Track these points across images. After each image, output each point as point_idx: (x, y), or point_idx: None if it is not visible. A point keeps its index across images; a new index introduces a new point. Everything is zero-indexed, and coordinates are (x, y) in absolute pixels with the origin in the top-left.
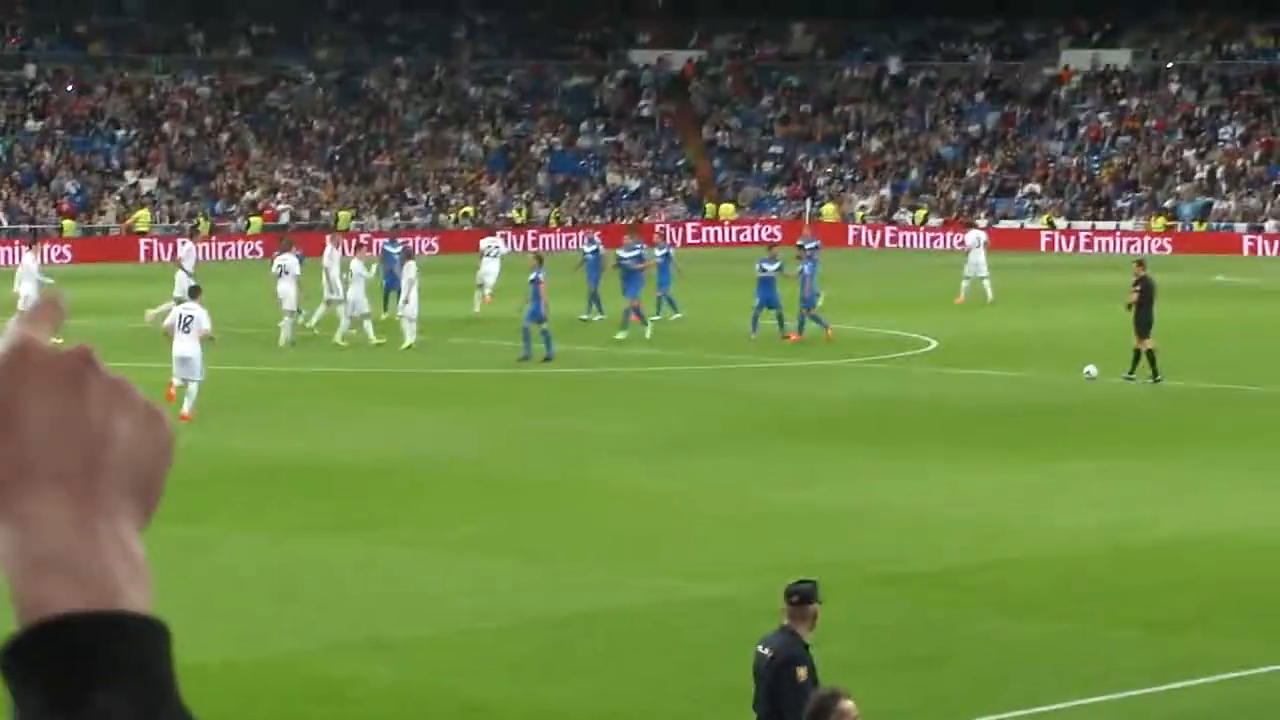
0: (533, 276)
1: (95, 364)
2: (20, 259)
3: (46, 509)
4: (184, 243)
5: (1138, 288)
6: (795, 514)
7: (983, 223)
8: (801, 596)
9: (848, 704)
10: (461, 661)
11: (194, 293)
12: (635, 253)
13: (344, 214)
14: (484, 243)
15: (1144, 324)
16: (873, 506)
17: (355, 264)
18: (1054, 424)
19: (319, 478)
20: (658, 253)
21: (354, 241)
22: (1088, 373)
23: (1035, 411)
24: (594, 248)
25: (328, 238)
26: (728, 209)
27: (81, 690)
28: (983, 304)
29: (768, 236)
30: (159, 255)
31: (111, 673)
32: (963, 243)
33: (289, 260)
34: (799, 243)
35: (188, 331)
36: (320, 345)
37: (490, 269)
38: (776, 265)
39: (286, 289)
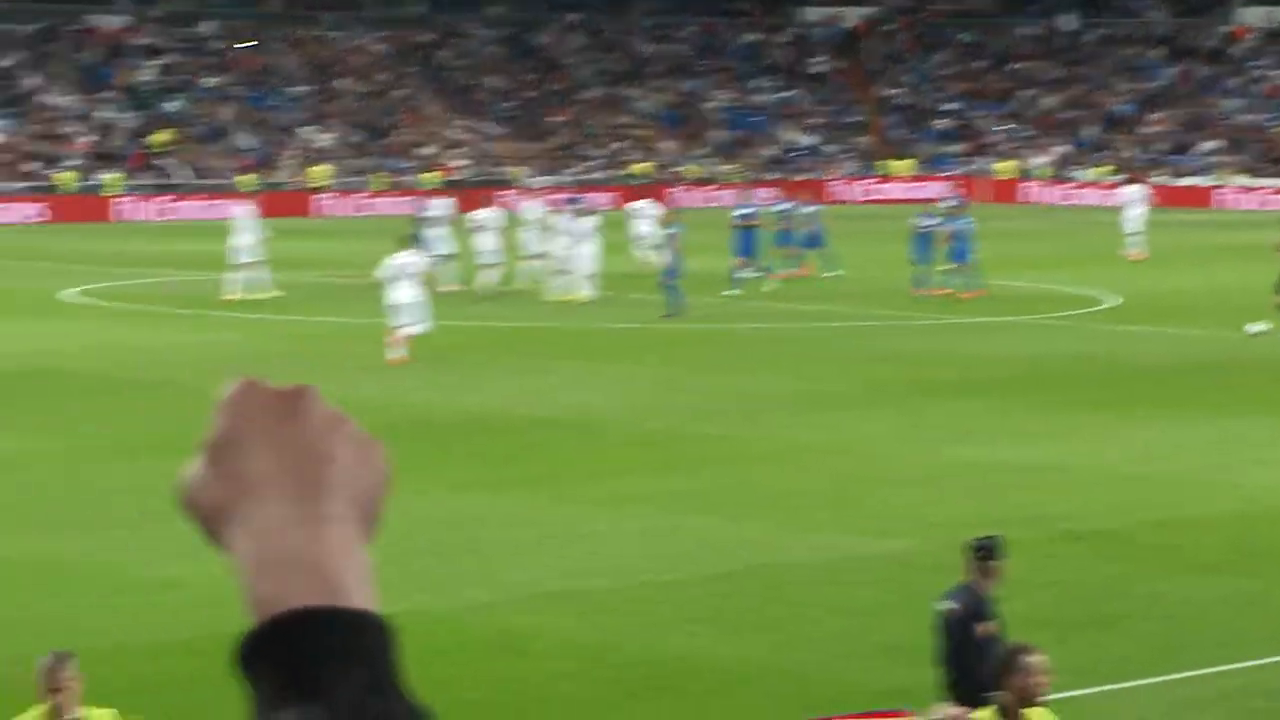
0: (669, 232)
1: (313, 397)
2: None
3: (276, 519)
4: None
5: None
6: (970, 471)
7: (1156, 179)
8: (982, 551)
9: (1037, 658)
10: (637, 615)
11: (413, 239)
12: (750, 209)
13: (517, 170)
14: (633, 205)
15: None
16: (1050, 464)
17: (565, 219)
18: (1232, 380)
19: (493, 432)
20: (806, 209)
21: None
22: (1259, 329)
23: (1213, 368)
24: (751, 209)
25: (517, 194)
26: (900, 166)
27: (319, 675)
28: (1142, 259)
29: (940, 193)
30: (333, 211)
31: (345, 660)
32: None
33: (487, 215)
34: (946, 200)
35: (406, 280)
36: (498, 301)
37: (640, 230)
38: (935, 221)
39: (485, 243)
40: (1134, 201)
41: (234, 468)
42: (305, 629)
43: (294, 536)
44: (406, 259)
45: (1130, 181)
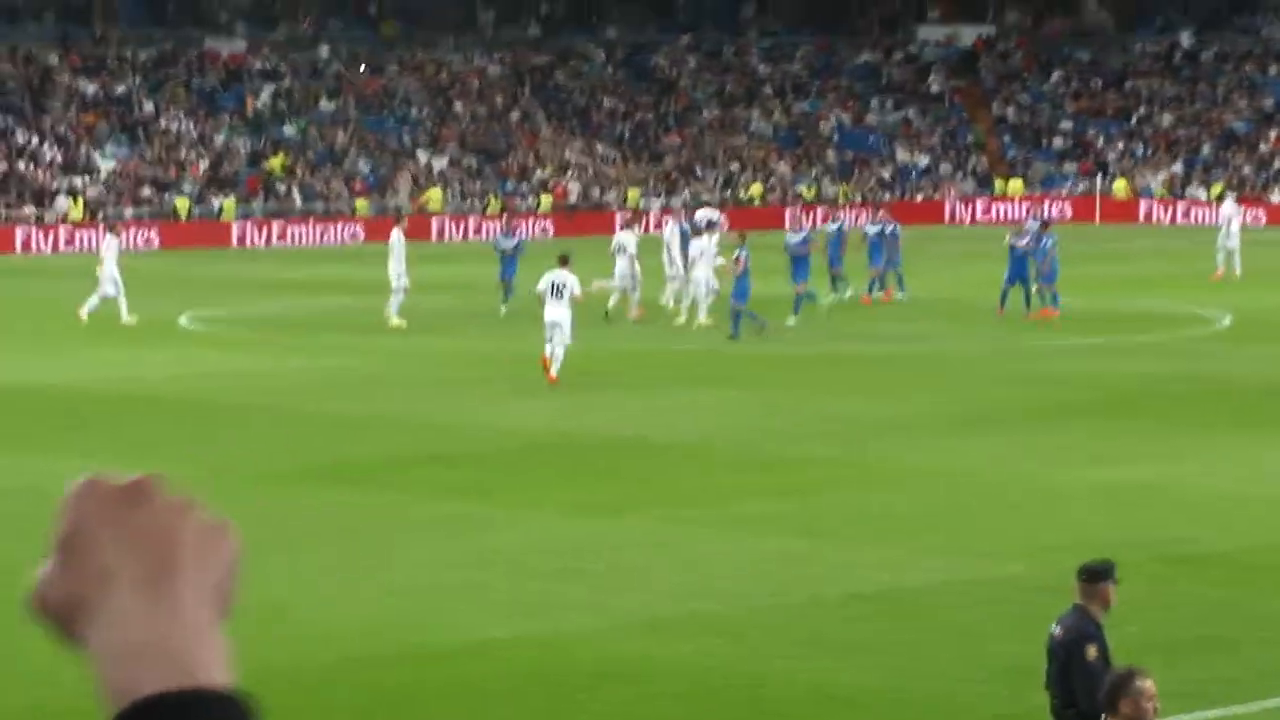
0: (735, 255)
1: (157, 486)
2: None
3: (128, 608)
4: (107, 236)
5: None
6: (1083, 493)
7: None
8: (1090, 574)
9: (1147, 683)
10: (748, 639)
11: (563, 261)
12: (801, 235)
13: (633, 192)
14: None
15: None
16: (1164, 485)
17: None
18: None
19: (603, 455)
20: (872, 230)
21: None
22: None
23: None
24: (838, 225)
25: (668, 215)
26: (1016, 185)
27: None
28: (1237, 279)
29: (1058, 213)
30: (450, 234)
31: None
32: (1217, 215)
33: (626, 238)
34: (1036, 218)
35: (560, 298)
36: (618, 324)
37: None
38: (1025, 240)
39: (623, 267)
40: (1234, 217)
41: (83, 562)
42: (164, 712)
43: (147, 624)
44: (562, 274)
45: (1223, 199)
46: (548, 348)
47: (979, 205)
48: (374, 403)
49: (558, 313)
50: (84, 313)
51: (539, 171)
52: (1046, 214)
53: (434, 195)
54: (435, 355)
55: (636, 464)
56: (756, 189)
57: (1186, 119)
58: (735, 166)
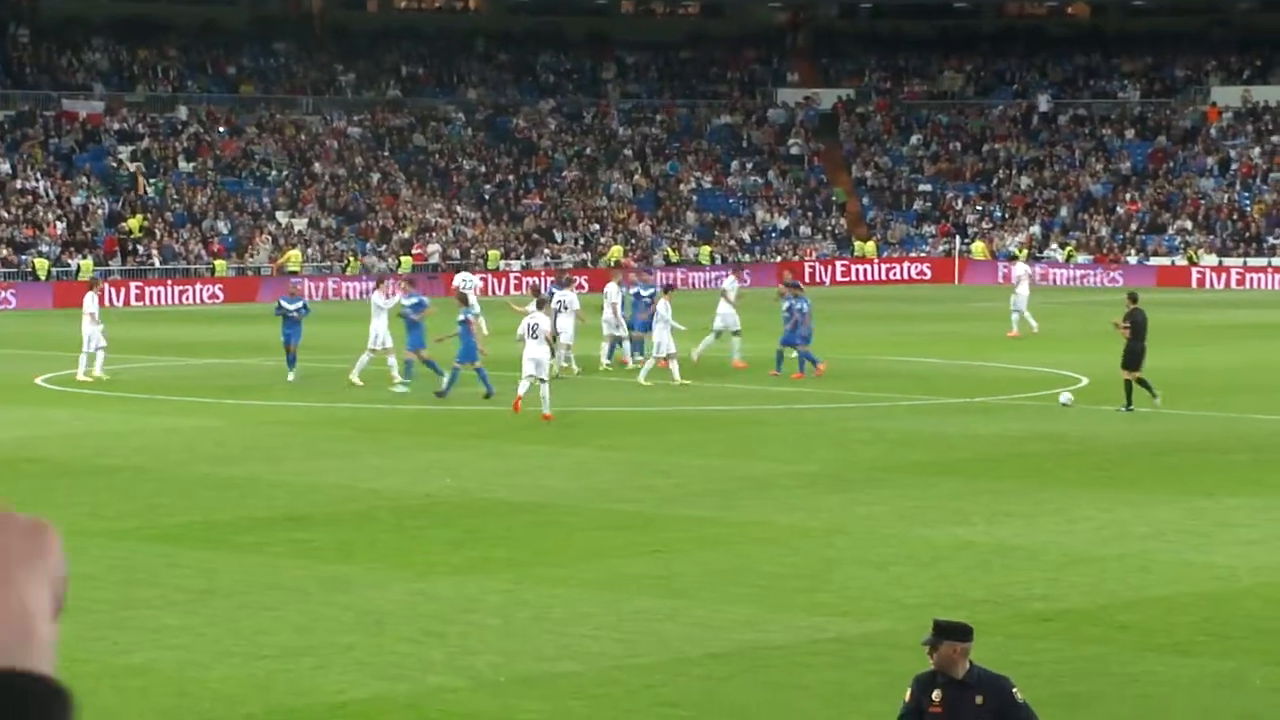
0: (461, 317)
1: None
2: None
3: None
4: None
5: (1128, 322)
6: (947, 551)
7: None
8: (948, 633)
9: None
10: (608, 700)
11: (539, 304)
12: (414, 300)
13: (494, 253)
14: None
15: (1134, 357)
16: (1024, 544)
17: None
18: (1207, 461)
19: (463, 515)
20: (645, 291)
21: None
22: (1063, 400)
23: (1187, 449)
24: (650, 290)
25: (614, 274)
26: (871, 247)
27: None
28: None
29: (917, 274)
30: (311, 294)
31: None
32: (1007, 274)
33: (568, 296)
34: (789, 281)
35: (535, 337)
36: (462, 381)
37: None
38: (785, 302)
39: (565, 324)
40: (1024, 279)
41: None
42: None
43: None
44: (536, 316)
45: (1013, 259)
46: (524, 384)
47: (838, 266)
48: (234, 464)
49: (538, 351)
50: None
51: (399, 233)
52: (795, 279)
53: (293, 256)
54: (296, 416)
55: (496, 524)
56: (616, 250)
57: (1044, 181)
58: (595, 228)
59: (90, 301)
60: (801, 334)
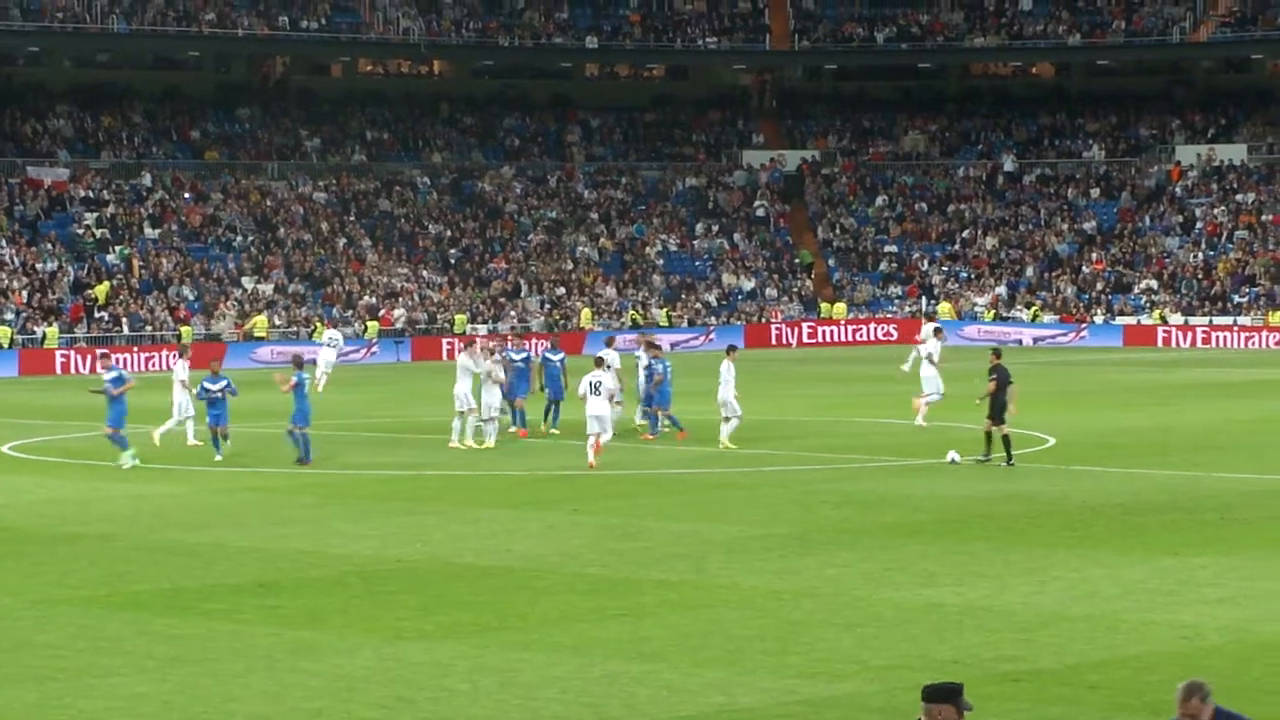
0: (294, 380)
1: None
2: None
3: None
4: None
5: (994, 376)
6: (915, 613)
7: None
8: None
9: None
10: None
11: (599, 362)
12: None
13: (460, 317)
14: (326, 334)
15: (998, 410)
16: (993, 604)
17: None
18: (1175, 520)
19: (432, 580)
20: (516, 356)
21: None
22: (951, 459)
23: (1156, 508)
24: (523, 355)
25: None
26: (840, 308)
27: None
28: (1083, 399)
29: (884, 335)
30: (276, 359)
31: None
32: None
33: (610, 355)
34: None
35: (598, 394)
36: (428, 446)
37: (328, 357)
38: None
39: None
40: (931, 338)
41: None
42: None
43: None
44: (598, 374)
45: (929, 319)
46: (590, 440)
47: (805, 328)
48: (202, 530)
49: (600, 408)
50: None
51: (365, 297)
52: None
53: (260, 322)
54: (263, 482)
55: (465, 588)
56: (585, 314)
57: (1010, 241)
58: (561, 291)
59: (181, 369)
60: (661, 395)
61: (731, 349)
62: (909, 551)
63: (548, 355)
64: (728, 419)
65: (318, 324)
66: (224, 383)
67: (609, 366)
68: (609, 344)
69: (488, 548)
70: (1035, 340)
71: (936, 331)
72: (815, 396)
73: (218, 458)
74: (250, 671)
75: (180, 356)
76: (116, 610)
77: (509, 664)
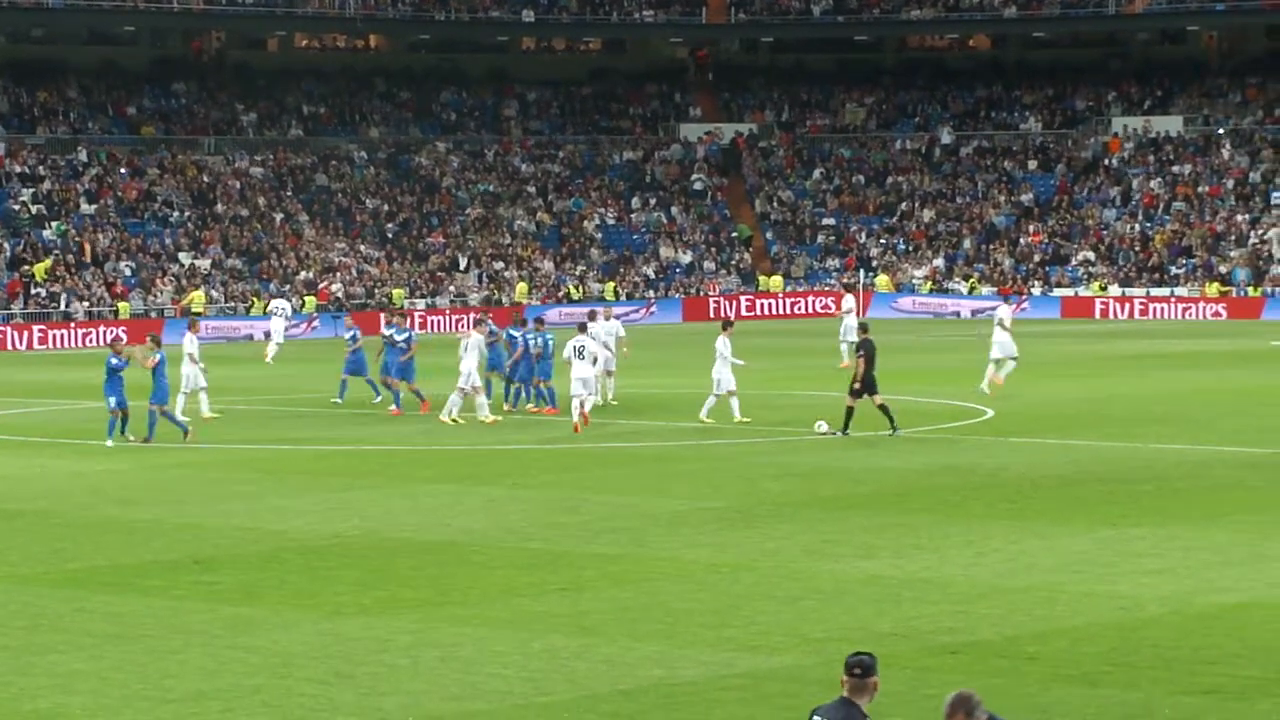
0: (156, 358)
1: None
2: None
3: None
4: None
5: (861, 352)
6: (854, 585)
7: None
8: (864, 669)
9: None
10: None
11: (582, 328)
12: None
13: (398, 292)
14: (273, 304)
15: (870, 383)
16: (932, 576)
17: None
18: (1113, 491)
19: (370, 555)
20: (347, 334)
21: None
22: (819, 428)
23: (1094, 479)
24: (352, 332)
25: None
26: (777, 281)
27: None
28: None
29: (822, 308)
30: (211, 334)
31: None
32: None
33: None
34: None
35: (582, 358)
36: (367, 420)
37: (277, 327)
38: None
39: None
40: (850, 310)
41: None
42: None
43: None
44: (582, 339)
45: (848, 290)
46: (575, 404)
47: (743, 301)
48: (139, 507)
49: (584, 371)
50: None
51: (303, 272)
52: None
53: (197, 297)
54: (200, 459)
55: (404, 563)
56: (521, 287)
57: (948, 214)
58: (499, 265)
59: (190, 342)
60: (523, 370)
61: (728, 324)
62: (848, 524)
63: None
64: (718, 395)
65: (254, 299)
66: (127, 363)
67: (593, 335)
68: (592, 317)
69: (427, 523)
70: (974, 313)
71: (1008, 299)
72: (754, 370)
73: (108, 444)
74: (188, 648)
75: (188, 329)
76: (55, 587)
77: (449, 639)
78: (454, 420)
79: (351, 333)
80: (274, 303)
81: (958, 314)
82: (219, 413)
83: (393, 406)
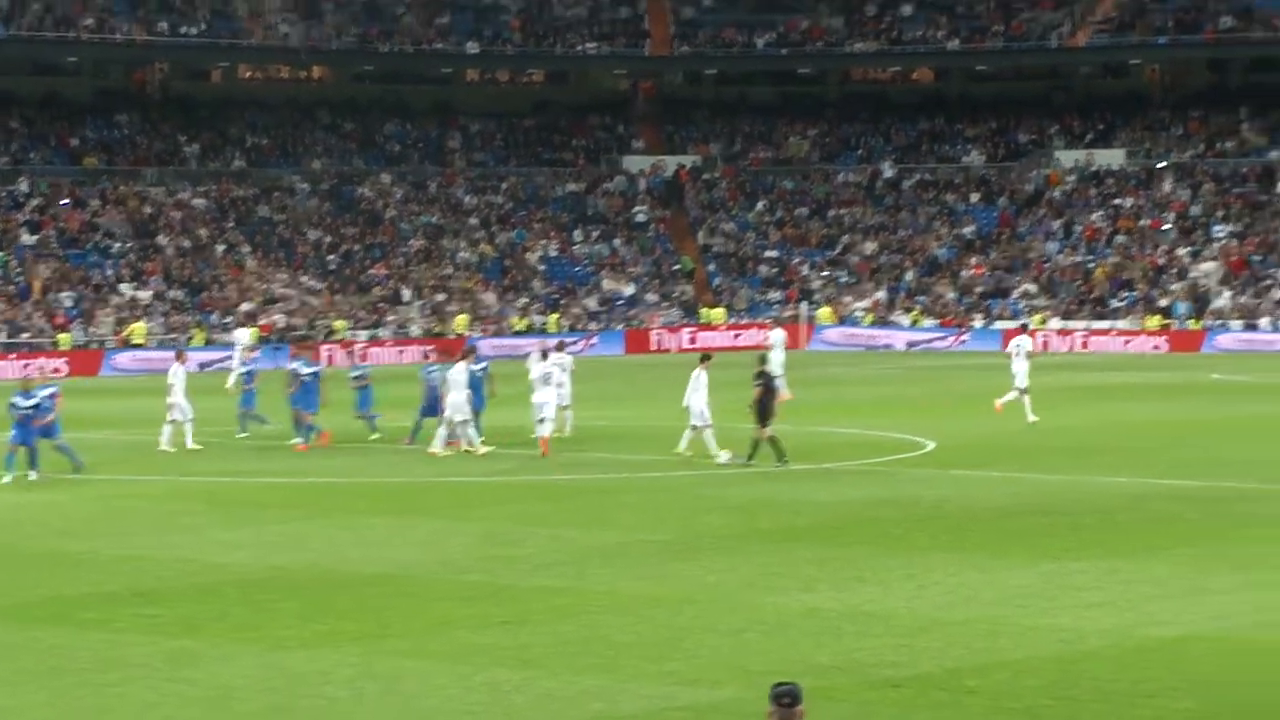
0: (49, 391)
1: None
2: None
3: None
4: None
5: (759, 383)
6: (796, 618)
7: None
8: (792, 698)
9: None
10: None
11: (544, 355)
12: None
13: (340, 323)
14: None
15: (764, 415)
16: (874, 609)
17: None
18: (1054, 524)
19: (313, 588)
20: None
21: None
22: (721, 458)
23: (1035, 511)
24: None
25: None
26: (720, 313)
27: None
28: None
29: (764, 341)
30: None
31: None
32: (767, 341)
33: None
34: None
35: (547, 385)
36: (309, 453)
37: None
38: (434, 373)
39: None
40: (778, 346)
41: None
42: None
43: None
44: (544, 366)
45: (776, 325)
46: (541, 428)
47: (685, 334)
48: (80, 539)
49: (547, 395)
50: None
51: (245, 304)
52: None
53: (138, 329)
54: (141, 490)
55: (345, 596)
56: (462, 319)
57: (890, 246)
58: (442, 297)
59: (175, 373)
60: (430, 404)
61: (705, 357)
62: (789, 557)
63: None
64: (695, 427)
65: (194, 331)
66: (35, 398)
67: (555, 364)
68: (560, 347)
69: (369, 555)
70: (910, 345)
71: (1025, 328)
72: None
73: (32, 476)
74: (128, 681)
75: (176, 360)
76: None
77: (390, 672)
78: (469, 450)
79: (294, 366)
80: (237, 332)
81: (889, 346)
82: (200, 446)
83: (297, 440)
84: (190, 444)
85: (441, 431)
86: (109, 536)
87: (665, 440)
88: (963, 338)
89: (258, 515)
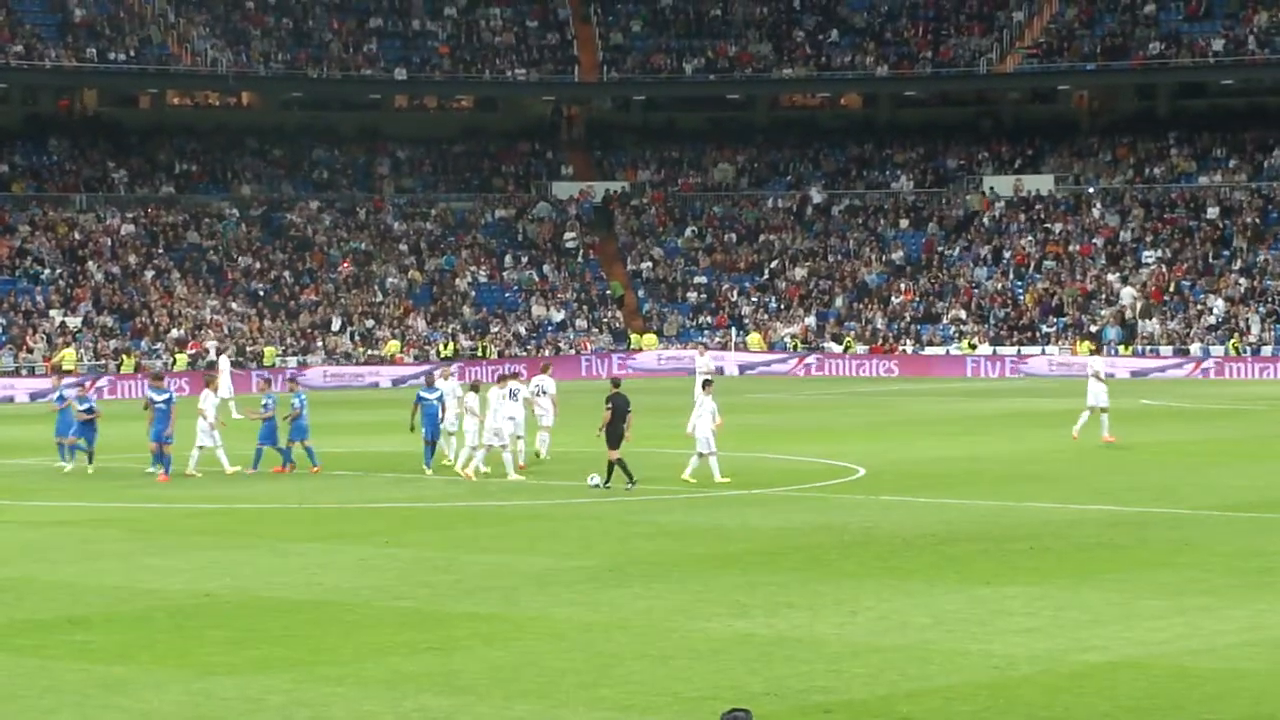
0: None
1: None
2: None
3: None
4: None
5: (609, 405)
6: (727, 644)
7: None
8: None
9: None
10: None
11: (514, 375)
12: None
13: (270, 350)
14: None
15: (615, 438)
16: (805, 635)
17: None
18: (986, 550)
19: (242, 614)
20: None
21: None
22: (591, 481)
23: (966, 538)
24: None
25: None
26: (650, 339)
27: None
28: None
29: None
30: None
31: None
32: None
33: (547, 381)
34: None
35: (515, 400)
36: (239, 480)
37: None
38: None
39: (517, 411)
40: (706, 371)
41: None
42: None
43: None
44: (514, 383)
45: (705, 349)
46: (507, 441)
47: (615, 360)
48: (9, 565)
49: (514, 411)
50: None
51: (174, 330)
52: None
53: (68, 355)
54: (71, 516)
55: (276, 623)
56: (393, 345)
57: (819, 272)
58: (371, 323)
59: (205, 398)
60: (300, 427)
61: (708, 383)
62: (721, 582)
63: (423, 394)
64: (701, 454)
65: (124, 357)
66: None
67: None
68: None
69: (299, 581)
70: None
71: (1093, 351)
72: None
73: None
74: (60, 708)
75: (206, 385)
76: None
77: (321, 698)
78: (479, 474)
79: (148, 394)
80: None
81: (834, 373)
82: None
83: (158, 469)
84: (193, 469)
85: (506, 458)
86: (39, 563)
87: (596, 466)
88: (891, 364)
89: (187, 542)
